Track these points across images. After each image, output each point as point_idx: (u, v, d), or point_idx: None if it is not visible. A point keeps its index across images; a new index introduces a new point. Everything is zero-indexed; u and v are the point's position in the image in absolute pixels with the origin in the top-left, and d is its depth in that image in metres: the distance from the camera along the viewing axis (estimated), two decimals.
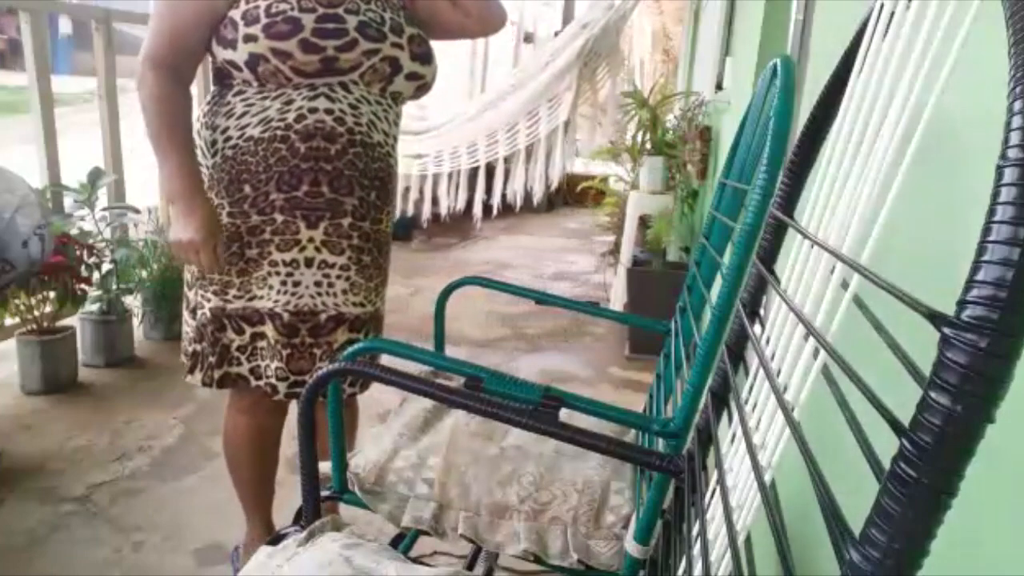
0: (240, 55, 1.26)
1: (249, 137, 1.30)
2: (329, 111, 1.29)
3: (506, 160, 4.44)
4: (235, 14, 1.25)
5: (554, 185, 4.51)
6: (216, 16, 1.27)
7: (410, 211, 4.76)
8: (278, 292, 1.34)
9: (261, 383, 1.41)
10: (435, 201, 4.66)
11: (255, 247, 1.33)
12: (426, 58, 1.39)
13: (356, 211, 1.35)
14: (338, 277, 1.36)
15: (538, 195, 4.52)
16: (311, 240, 1.33)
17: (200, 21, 1.28)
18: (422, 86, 1.42)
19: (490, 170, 4.58)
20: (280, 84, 1.28)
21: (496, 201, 4.55)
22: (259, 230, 1.33)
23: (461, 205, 4.62)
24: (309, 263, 1.34)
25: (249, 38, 1.24)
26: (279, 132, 1.29)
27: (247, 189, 1.31)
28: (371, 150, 1.35)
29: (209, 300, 1.38)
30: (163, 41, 1.30)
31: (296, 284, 1.34)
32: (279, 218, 1.32)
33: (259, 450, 1.53)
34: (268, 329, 1.36)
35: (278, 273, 1.34)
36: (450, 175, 4.56)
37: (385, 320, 1.55)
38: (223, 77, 1.34)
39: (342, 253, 1.35)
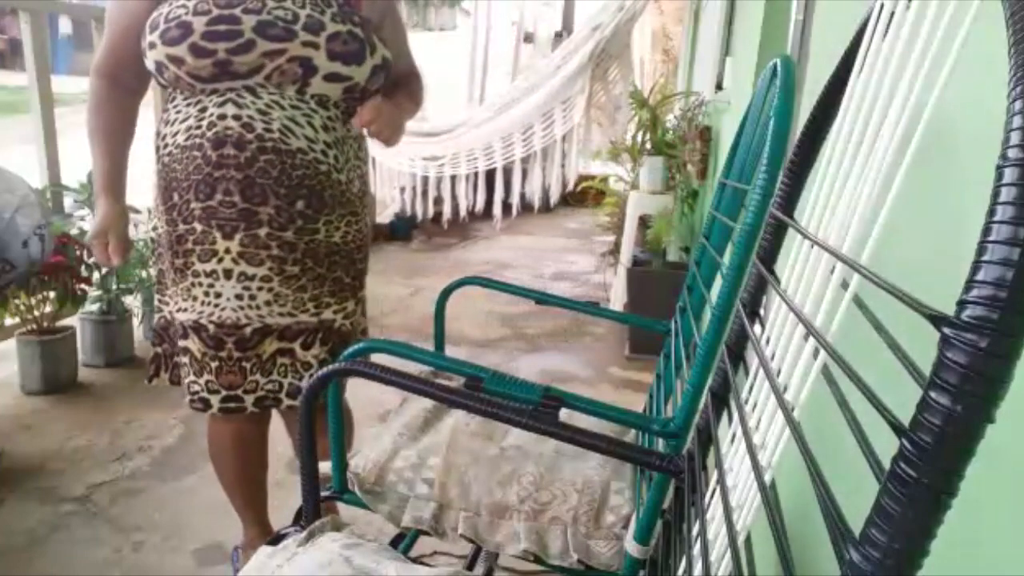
0: (149, 63, 1.27)
1: (177, 145, 1.29)
2: (237, 117, 1.25)
3: (523, 161, 4.52)
4: (148, 22, 1.25)
5: (571, 185, 4.58)
6: (142, 25, 1.27)
7: (419, 213, 4.92)
8: (202, 303, 1.31)
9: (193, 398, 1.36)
10: (455, 201, 4.77)
11: (181, 256, 1.31)
12: (351, 58, 1.29)
13: (273, 221, 1.28)
14: (259, 289, 1.30)
15: (555, 196, 4.61)
16: (227, 251, 1.28)
17: (130, 31, 1.29)
18: (351, 88, 1.32)
19: (501, 172, 4.69)
20: (191, 90, 1.27)
21: (515, 201, 4.64)
22: (184, 239, 1.30)
23: (480, 205, 4.73)
24: (228, 275, 1.29)
25: (151, 45, 1.24)
26: (196, 140, 1.26)
27: (175, 197, 1.30)
28: (288, 157, 1.27)
29: (166, 304, 1.39)
30: (106, 51, 1.34)
31: (217, 296, 1.30)
32: (198, 228, 1.29)
33: (242, 455, 1.51)
34: (192, 343, 1.33)
35: (200, 284, 1.30)
36: (467, 177, 4.66)
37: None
38: (162, 87, 1.35)
39: (261, 264, 1.29)
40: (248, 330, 1.31)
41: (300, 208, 1.30)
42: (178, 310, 1.34)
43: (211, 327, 1.31)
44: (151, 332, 1.43)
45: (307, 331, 1.36)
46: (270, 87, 1.26)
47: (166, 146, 1.31)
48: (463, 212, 4.82)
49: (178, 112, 1.30)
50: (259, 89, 1.26)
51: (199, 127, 1.26)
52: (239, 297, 1.30)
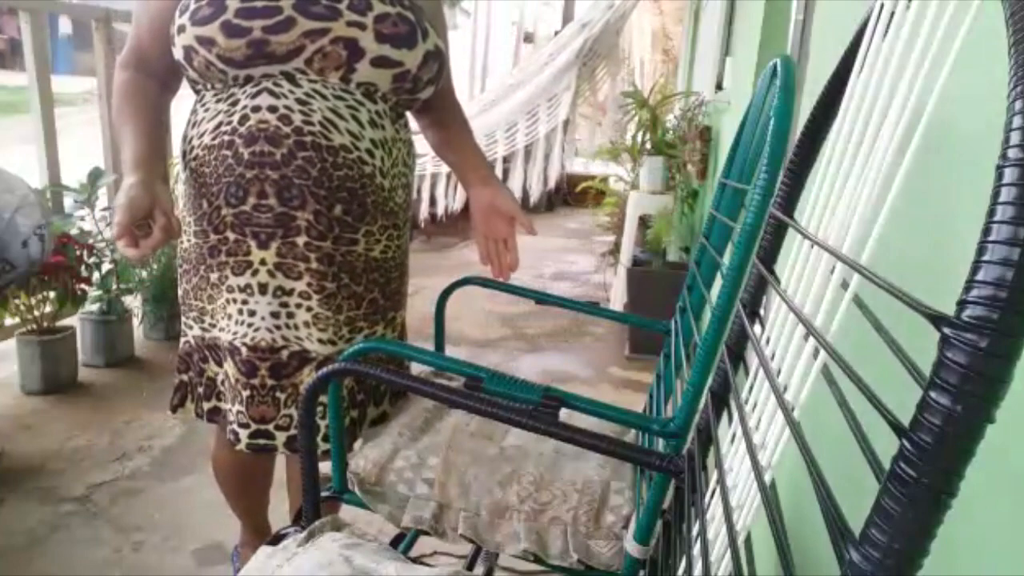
0: (178, 51, 1.15)
1: (205, 146, 1.17)
2: (273, 108, 1.11)
3: (505, 160, 4.46)
4: (178, 6, 1.14)
5: (552, 184, 4.53)
6: (169, 19, 1.16)
7: (420, 213, 4.87)
8: (236, 323, 1.18)
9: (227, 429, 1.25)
10: (433, 201, 4.69)
11: (216, 270, 1.19)
12: (401, 41, 1.15)
13: (312, 228, 1.14)
14: (298, 306, 1.18)
15: (535, 195, 4.53)
16: (263, 263, 1.15)
17: (154, 27, 1.20)
18: (402, 75, 1.18)
19: None
20: (222, 81, 1.15)
21: None
22: (217, 251, 1.18)
23: (459, 205, 4.65)
24: (263, 289, 1.16)
25: (180, 29, 1.12)
26: (226, 137, 1.14)
27: (204, 205, 1.18)
28: (330, 154, 1.13)
29: (191, 327, 1.27)
30: (132, 46, 1.25)
31: (251, 314, 1.17)
32: (231, 236, 1.16)
33: (245, 483, 1.47)
34: (228, 366, 1.21)
35: (235, 301, 1.18)
36: (448, 175, 4.60)
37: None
38: (191, 85, 1.24)
39: (299, 278, 1.16)
40: (285, 354, 1.19)
41: (338, 214, 1.16)
42: (219, 330, 1.23)
43: (244, 349, 1.18)
44: (176, 358, 1.32)
45: None
46: (311, 73, 1.13)
47: (192, 149, 1.19)
48: (439, 212, 4.72)
49: (206, 110, 1.17)
50: (298, 76, 1.13)
51: (229, 123, 1.14)
52: (275, 315, 1.17)
